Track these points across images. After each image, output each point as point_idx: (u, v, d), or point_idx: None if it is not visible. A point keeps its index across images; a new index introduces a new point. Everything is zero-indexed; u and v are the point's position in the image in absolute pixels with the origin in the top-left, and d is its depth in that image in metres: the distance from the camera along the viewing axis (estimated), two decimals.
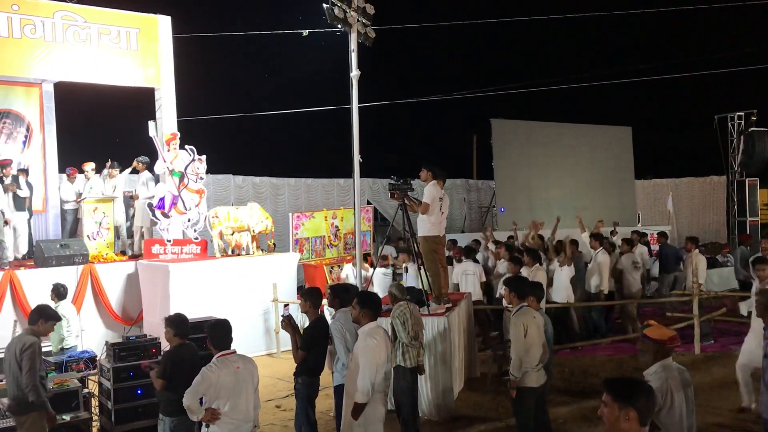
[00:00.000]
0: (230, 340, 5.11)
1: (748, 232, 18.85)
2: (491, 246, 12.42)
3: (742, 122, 21.08)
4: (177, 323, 5.74)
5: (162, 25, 12.54)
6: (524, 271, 9.54)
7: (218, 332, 5.12)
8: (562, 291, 10.88)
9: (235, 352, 5.09)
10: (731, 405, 7.72)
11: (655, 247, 18.67)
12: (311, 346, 6.25)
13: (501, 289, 9.52)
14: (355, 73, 9.25)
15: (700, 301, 10.54)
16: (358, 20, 9.12)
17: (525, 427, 5.90)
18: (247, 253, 11.92)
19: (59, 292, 8.63)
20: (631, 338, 10.93)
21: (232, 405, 4.87)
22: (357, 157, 9.27)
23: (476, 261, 11.79)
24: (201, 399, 4.91)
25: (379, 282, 11.27)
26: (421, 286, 8.67)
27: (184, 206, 11.72)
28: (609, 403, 2.99)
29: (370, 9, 9.58)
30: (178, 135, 12.03)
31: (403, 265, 12.02)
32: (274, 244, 13.03)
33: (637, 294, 11.82)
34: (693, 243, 11.86)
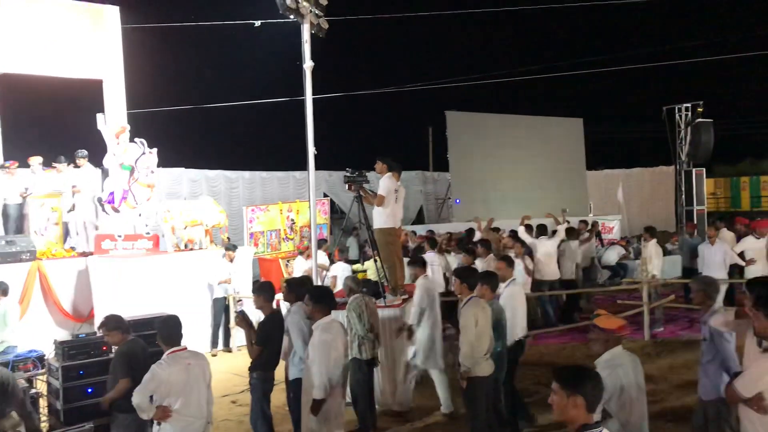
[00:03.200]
0: (180, 336, 5.04)
1: (695, 221, 19.33)
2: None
3: (689, 114, 21.59)
4: (118, 322, 5.74)
5: (110, 15, 12.24)
6: (479, 263, 9.62)
7: (168, 328, 5.03)
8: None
9: (185, 348, 5.02)
10: (680, 390, 7.96)
11: (607, 236, 19.10)
12: (266, 341, 6.22)
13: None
14: (308, 64, 9.15)
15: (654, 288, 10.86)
16: (310, 11, 9.01)
17: (477, 417, 5.94)
18: (201, 248, 11.76)
19: (4, 288, 8.32)
20: (581, 326, 11.14)
21: (183, 402, 4.80)
22: (311, 150, 9.20)
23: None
24: (152, 397, 4.83)
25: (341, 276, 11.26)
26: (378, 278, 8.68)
27: (135, 200, 11.47)
28: (557, 391, 3.05)
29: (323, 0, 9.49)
30: (128, 128, 11.77)
31: None
32: (228, 238, 12.89)
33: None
34: (649, 233, 12.12)
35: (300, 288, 6.57)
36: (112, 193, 11.33)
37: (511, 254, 11.11)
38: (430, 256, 11.37)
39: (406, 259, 9.44)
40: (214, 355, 11.07)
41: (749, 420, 4.23)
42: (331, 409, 5.36)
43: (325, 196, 19.35)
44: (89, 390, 6.68)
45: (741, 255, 11.11)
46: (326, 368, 5.22)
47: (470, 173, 20.94)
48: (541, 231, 12.17)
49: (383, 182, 8.42)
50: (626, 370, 4.19)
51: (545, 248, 11.71)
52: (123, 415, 5.48)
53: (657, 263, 11.49)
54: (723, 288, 11.22)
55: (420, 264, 8.30)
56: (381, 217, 8.44)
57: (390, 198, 8.35)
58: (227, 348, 11.48)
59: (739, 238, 12.22)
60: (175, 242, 11.58)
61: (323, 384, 5.20)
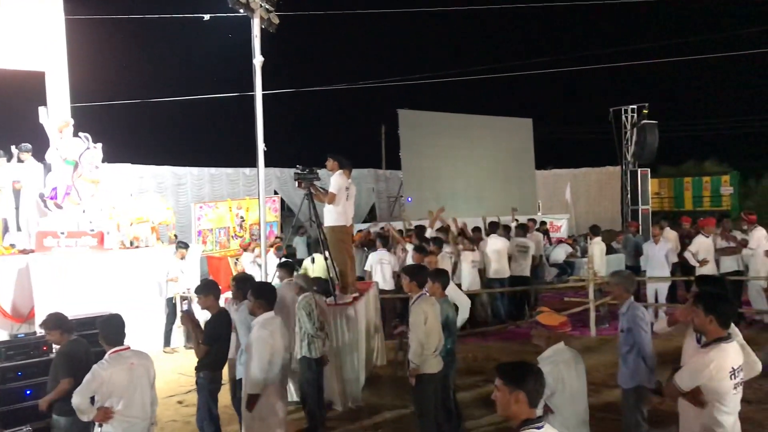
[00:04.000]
0: (123, 335, 4.92)
1: (639, 220, 19.80)
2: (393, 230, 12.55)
3: (635, 115, 22.13)
4: (60, 322, 5.57)
5: (53, 5, 11.86)
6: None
7: (110, 327, 4.91)
8: (467, 278, 11.17)
9: (128, 348, 4.91)
10: None
11: (555, 235, 19.43)
12: (214, 341, 6.12)
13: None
14: (258, 59, 9.06)
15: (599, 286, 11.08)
16: (261, 5, 8.92)
17: (425, 413, 5.98)
18: (147, 245, 11.53)
19: None
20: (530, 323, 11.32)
21: (126, 403, 4.69)
22: (261, 146, 9.10)
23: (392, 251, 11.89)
24: (93, 398, 4.71)
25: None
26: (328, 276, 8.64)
27: (79, 197, 11.16)
28: (500, 387, 3.09)
29: None
30: (72, 122, 11.45)
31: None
32: (175, 235, 12.66)
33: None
34: (593, 233, 12.38)
35: (247, 285, 6.50)
36: (54, 189, 11.00)
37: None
38: (380, 253, 11.42)
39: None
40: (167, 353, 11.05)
41: (687, 414, 4.35)
42: (268, 406, 5.30)
43: (276, 193, 19.18)
44: (28, 392, 6.51)
45: (694, 255, 11.25)
46: (260, 363, 5.16)
47: (422, 171, 21.04)
48: (493, 228, 12.31)
49: (334, 180, 8.38)
50: (568, 366, 4.28)
51: (495, 246, 11.85)
52: (63, 418, 5.32)
53: (600, 262, 11.74)
54: (666, 285, 11.57)
55: (286, 267, 8.01)
56: (332, 215, 8.40)
57: (341, 196, 8.32)
58: (174, 347, 11.30)
59: (682, 237, 12.55)
60: (121, 240, 11.32)
61: (256, 379, 5.15)
